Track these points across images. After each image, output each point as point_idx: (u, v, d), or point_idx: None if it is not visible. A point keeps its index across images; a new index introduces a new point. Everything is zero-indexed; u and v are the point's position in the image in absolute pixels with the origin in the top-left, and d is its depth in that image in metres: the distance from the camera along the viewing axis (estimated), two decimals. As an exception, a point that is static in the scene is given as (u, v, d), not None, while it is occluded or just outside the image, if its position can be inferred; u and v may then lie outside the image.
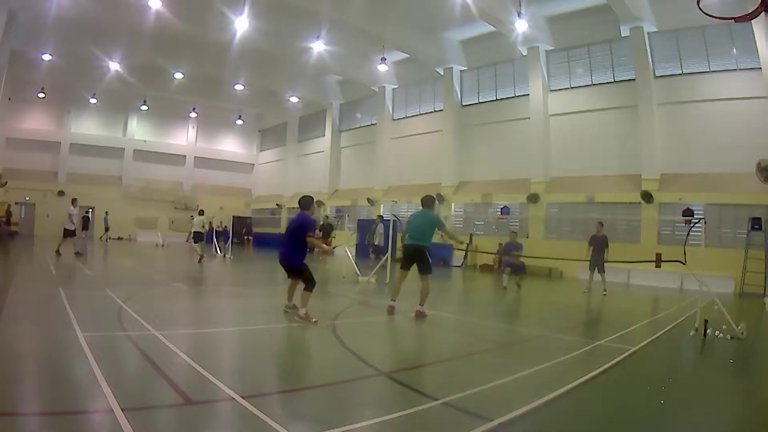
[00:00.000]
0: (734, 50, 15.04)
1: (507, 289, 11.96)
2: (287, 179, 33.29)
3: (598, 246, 11.94)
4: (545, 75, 19.30)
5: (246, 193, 36.52)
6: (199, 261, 15.61)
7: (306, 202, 6.95)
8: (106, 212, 28.34)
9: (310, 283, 6.53)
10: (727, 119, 14.99)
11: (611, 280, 15.64)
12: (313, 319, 6.33)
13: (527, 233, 19.45)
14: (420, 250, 7.22)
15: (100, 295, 7.80)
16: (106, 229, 28.07)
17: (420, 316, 7.11)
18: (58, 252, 14.71)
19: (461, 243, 14.09)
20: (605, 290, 11.86)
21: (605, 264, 11.92)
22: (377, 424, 3.22)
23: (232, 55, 21.39)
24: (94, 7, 17.56)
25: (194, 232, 16.63)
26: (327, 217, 21.94)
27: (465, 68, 22.31)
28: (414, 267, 7.35)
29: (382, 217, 17.65)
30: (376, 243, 17.56)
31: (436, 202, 7.58)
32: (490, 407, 3.56)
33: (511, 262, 12.20)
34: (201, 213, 17.45)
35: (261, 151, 37.49)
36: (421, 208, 7.70)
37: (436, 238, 23.03)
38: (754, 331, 7.46)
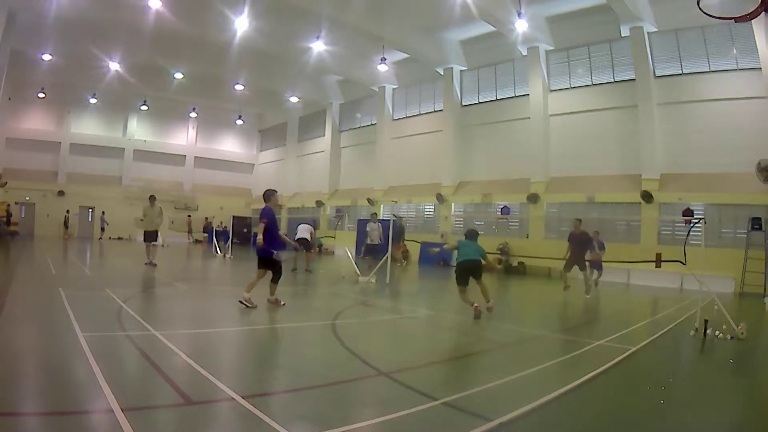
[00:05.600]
0: (734, 50, 15.04)
1: (592, 287, 12.01)
2: (287, 179, 33.28)
3: (580, 243, 11.08)
4: (545, 75, 19.30)
5: (246, 193, 36.51)
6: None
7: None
8: (103, 212, 28.39)
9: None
10: (727, 119, 14.98)
11: (612, 279, 15.65)
12: None
13: (527, 233, 19.47)
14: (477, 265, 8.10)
15: (100, 295, 7.79)
16: (102, 230, 28.14)
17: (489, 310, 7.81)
18: (152, 263, 12.83)
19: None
20: (587, 292, 11.11)
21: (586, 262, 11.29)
22: (377, 424, 3.22)
23: (232, 55, 21.37)
24: (94, 7, 17.55)
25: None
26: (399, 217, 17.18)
27: (465, 68, 22.30)
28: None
29: (376, 215, 16.98)
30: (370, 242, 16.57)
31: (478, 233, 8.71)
32: (490, 407, 3.56)
33: (594, 261, 12.38)
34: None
35: (261, 151, 37.49)
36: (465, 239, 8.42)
37: (436, 239, 22.81)
38: (754, 331, 7.46)
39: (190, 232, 30.60)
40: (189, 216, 31.15)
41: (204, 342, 5.45)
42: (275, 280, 7.52)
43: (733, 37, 15.00)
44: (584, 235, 11.31)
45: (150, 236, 13.12)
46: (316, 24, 18.71)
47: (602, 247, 12.92)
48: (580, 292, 11.10)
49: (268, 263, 7.46)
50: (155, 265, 12.75)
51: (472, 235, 8.59)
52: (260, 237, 7.35)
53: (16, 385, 3.54)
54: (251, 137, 37.39)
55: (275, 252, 7.44)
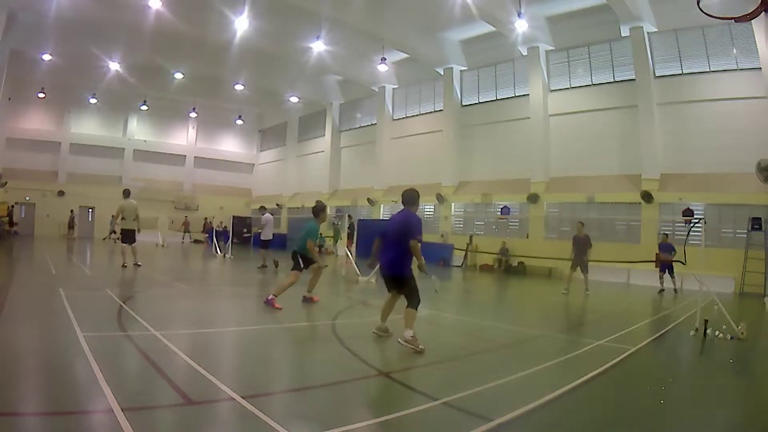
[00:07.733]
0: (734, 50, 15.04)
1: (665, 290, 13.00)
2: (287, 179, 33.30)
3: (581, 246, 11.95)
4: (545, 75, 19.30)
5: (246, 193, 36.53)
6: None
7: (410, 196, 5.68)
8: (112, 215, 28.32)
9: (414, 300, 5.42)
10: (727, 119, 14.99)
11: (612, 280, 15.66)
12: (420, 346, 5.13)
13: (527, 233, 19.47)
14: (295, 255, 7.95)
15: (100, 295, 7.79)
16: (113, 232, 28.16)
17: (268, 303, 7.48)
18: (137, 264, 12.06)
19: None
20: (587, 289, 11.85)
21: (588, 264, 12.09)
22: (377, 424, 3.22)
23: (232, 55, 21.39)
24: (94, 7, 17.56)
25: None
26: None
27: (465, 68, 22.30)
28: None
29: None
30: None
31: (326, 211, 8.28)
32: (490, 407, 3.56)
33: (664, 262, 12.98)
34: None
35: (261, 151, 37.51)
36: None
37: (436, 238, 22.77)
38: (754, 331, 7.46)
39: (186, 231, 30.33)
40: (186, 216, 30.88)
41: (204, 342, 5.45)
42: (413, 305, 5.44)
43: (733, 37, 15.00)
44: (586, 238, 11.88)
45: (128, 236, 12.12)
46: (316, 24, 18.72)
47: (673, 249, 13.04)
48: (580, 294, 11.12)
49: (400, 283, 5.61)
50: (140, 265, 12.05)
51: (315, 211, 8.02)
52: (419, 257, 5.40)
53: (16, 385, 3.54)
54: (251, 137, 37.40)
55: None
